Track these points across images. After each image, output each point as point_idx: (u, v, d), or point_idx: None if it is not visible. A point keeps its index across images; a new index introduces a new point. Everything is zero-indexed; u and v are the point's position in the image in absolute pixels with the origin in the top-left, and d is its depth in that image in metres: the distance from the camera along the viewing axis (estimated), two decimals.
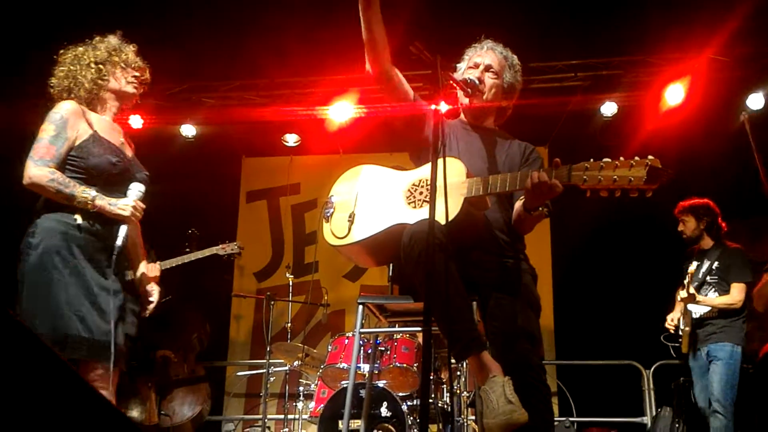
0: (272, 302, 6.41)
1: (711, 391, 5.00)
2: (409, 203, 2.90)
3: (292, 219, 8.34)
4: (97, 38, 3.28)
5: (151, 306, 3.31)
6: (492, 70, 3.10)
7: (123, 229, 3.04)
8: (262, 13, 6.21)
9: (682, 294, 5.13)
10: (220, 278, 7.86)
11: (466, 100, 3.06)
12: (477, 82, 3.01)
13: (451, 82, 2.78)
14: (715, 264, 5.20)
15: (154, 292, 3.32)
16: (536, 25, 6.35)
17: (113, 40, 3.28)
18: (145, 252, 3.40)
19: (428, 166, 2.88)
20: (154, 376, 6.50)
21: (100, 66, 3.17)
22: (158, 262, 5.46)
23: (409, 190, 2.93)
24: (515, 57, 3.18)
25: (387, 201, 2.98)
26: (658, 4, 5.97)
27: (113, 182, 3.09)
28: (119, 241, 3.01)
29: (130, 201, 3.05)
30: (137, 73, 3.26)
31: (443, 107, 2.61)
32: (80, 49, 3.23)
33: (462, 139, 3.08)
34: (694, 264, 5.27)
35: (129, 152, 3.28)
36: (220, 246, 5.66)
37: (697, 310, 5.18)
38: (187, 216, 7.09)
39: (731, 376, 4.95)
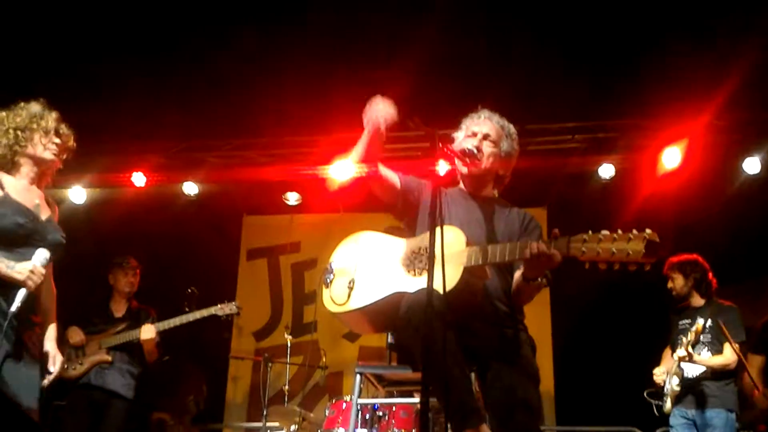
0: (270, 364, 6.36)
1: None
2: (408, 271, 2.91)
3: (291, 278, 8.31)
4: (21, 104, 3.35)
5: (51, 377, 3.21)
6: (490, 138, 3.15)
7: (20, 294, 2.97)
8: (264, 72, 6.32)
9: (679, 352, 5.02)
10: (218, 337, 7.81)
11: (465, 170, 3.10)
12: (475, 150, 3.05)
13: (450, 153, 2.81)
14: (708, 322, 5.08)
15: (56, 361, 3.24)
16: (534, 87, 6.44)
17: (35, 107, 3.34)
18: (55, 319, 3.36)
19: (427, 235, 2.92)
20: None
21: (18, 132, 3.22)
22: (155, 324, 5.45)
23: (408, 258, 2.94)
24: (511, 126, 3.24)
25: (386, 269, 2.99)
26: (655, 68, 6.06)
27: (19, 244, 3.08)
28: (13, 307, 2.94)
29: (29, 265, 3.01)
30: (58, 140, 3.32)
31: (441, 176, 2.65)
32: (2, 114, 3.30)
33: (461, 208, 3.11)
34: (686, 322, 5.23)
35: (45, 215, 3.27)
36: (219, 306, 5.63)
37: (691, 370, 5.08)
38: (187, 274, 7.09)
39: None
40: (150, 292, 6.13)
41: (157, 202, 7.55)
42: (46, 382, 3.18)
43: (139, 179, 7.12)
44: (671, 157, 6.62)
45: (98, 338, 5.47)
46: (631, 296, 6.62)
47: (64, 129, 3.36)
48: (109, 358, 5.42)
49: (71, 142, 3.41)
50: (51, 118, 3.32)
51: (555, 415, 7.28)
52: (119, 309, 5.68)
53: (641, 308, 6.49)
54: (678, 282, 5.32)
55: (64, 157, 3.39)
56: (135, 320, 5.58)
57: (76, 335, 5.43)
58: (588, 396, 6.92)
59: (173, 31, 5.96)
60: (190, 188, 7.45)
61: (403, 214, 3.11)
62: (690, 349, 5.00)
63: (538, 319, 7.30)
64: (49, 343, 3.26)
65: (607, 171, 6.93)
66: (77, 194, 7.35)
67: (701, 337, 5.11)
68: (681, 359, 5.02)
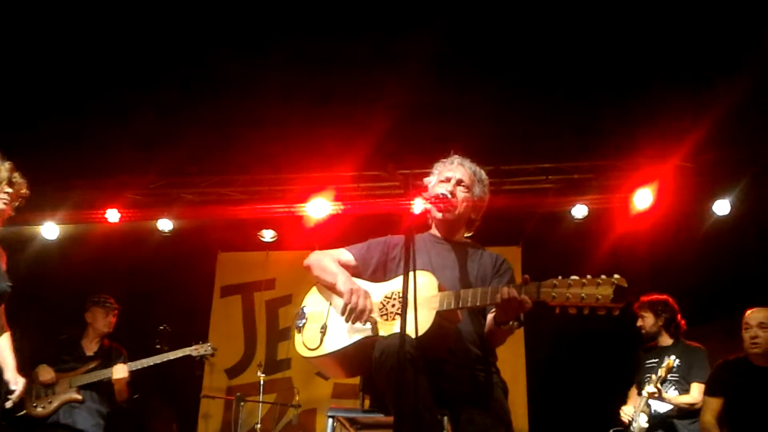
0: (242, 402, 6.29)
1: None
2: (381, 316, 2.92)
3: (266, 314, 8.26)
4: None
5: (14, 395, 3.31)
6: (463, 184, 3.19)
7: None
8: (242, 111, 6.36)
9: (649, 388, 5.06)
10: (190, 374, 7.70)
11: (439, 215, 3.14)
12: (449, 196, 3.09)
13: (424, 199, 2.85)
14: (677, 361, 5.15)
15: (18, 382, 3.32)
16: (508, 128, 6.54)
17: None
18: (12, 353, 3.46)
19: (400, 279, 2.94)
20: None
21: None
22: (127, 363, 5.38)
23: (381, 303, 2.95)
24: (483, 172, 3.29)
25: None
26: (628, 111, 6.19)
27: None
28: None
29: None
30: (10, 190, 3.40)
31: (414, 220, 2.67)
32: None
33: (434, 252, 3.14)
34: (654, 361, 5.28)
35: None
36: (194, 347, 5.59)
37: (659, 408, 5.12)
38: (160, 310, 7.03)
39: None
40: (122, 329, 6.07)
41: (131, 239, 7.50)
42: (9, 403, 3.23)
43: (113, 215, 7.09)
44: (643, 199, 6.74)
45: (69, 376, 5.39)
46: (603, 335, 6.66)
47: (17, 178, 3.46)
48: (80, 397, 5.34)
49: (24, 190, 3.52)
50: (4, 168, 3.39)
51: None
52: (91, 347, 5.61)
53: (613, 347, 6.52)
54: (648, 321, 5.41)
55: (17, 204, 3.48)
56: (106, 359, 5.51)
57: (46, 373, 5.34)
58: None
59: (153, 67, 5.99)
60: (165, 225, 7.42)
61: (373, 276, 3.14)
62: (659, 385, 5.05)
63: (512, 358, 7.32)
64: (9, 372, 3.36)
65: (580, 211, 7.03)
66: (50, 230, 7.28)
67: (669, 375, 5.16)
68: (650, 395, 5.07)
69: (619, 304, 2.46)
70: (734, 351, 4.67)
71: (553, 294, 2.54)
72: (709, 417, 4.51)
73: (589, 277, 2.51)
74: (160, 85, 6.18)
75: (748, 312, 4.53)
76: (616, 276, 2.48)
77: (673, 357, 5.09)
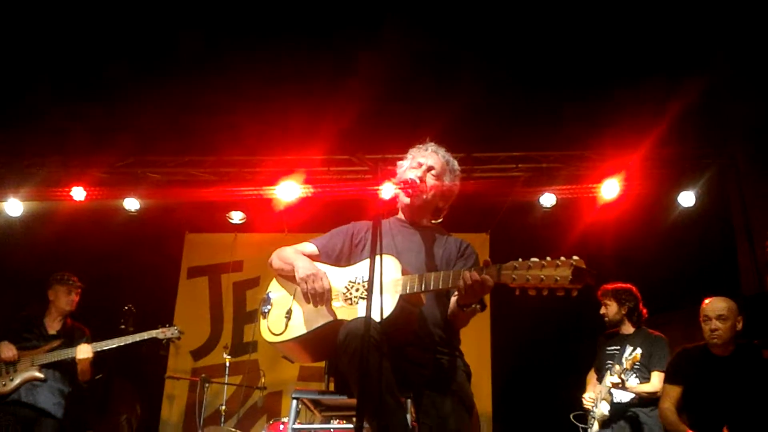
0: (207, 384, 6.27)
1: None
2: (345, 300, 2.92)
3: (233, 296, 8.22)
4: None
5: None
6: (434, 171, 3.20)
7: None
8: (213, 92, 6.31)
9: (613, 379, 5.12)
10: (155, 355, 7.64)
11: (407, 200, 3.14)
12: (418, 181, 3.10)
13: (393, 183, 2.86)
14: (638, 350, 5.23)
15: None
16: (480, 116, 6.58)
17: None
18: None
19: (364, 264, 2.95)
20: None
21: None
22: (91, 344, 5.33)
23: (345, 287, 2.95)
24: (455, 161, 3.30)
25: None
26: (598, 103, 6.26)
27: None
28: None
29: None
30: None
31: (381, 205, 2.68)
32: None
33: (400, 237, 3.15)
34: (615, 348, 5.36)
35: None
36: (160, 330, 5.52)
37: (621, 396, 5.19)
38: (125, 291, 6.95)
39: None
40: (87, 308, 6.00)
41: (96, 218, 7.41)
42: None
43: (78, 193, 6.99)
44: (610, 189, 6.83)
45: (31, 354, 5.32)
46: (566, 322, 6.77)
47: None
48: (42, 376, 5.27)
49: None
50: None
51: None
52: (54, 326, 5.53)
53: (575, 333, 6.62)
54: (611, 309, 5.47)
55: None
56: (69, 338, 5.45)
57: (8, 350, 5.27)
58: (525, 420, 7.05)
59: (120, 45, 5.91)
60: (132, 204, 7.33)
61: (337, 264, 3.14)
62: (622, 376, 5.12)
63: (477, 343, 7.39)
64: None
65: (548, 200, 7.09)
66: (13, 207, 7.17)
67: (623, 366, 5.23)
68: (614, 386, 5.13)
69: (578, 285, 2.49)
70: (695, 340, 4.71)
71: (514, 276, 2.56)
72: (668, 404, 4.56)
73: (548, 258, 2.53)
74: (128, 62, 6.10)
75: (706, 302, 4.51)
76: (575, 257, 2.50)
77: (638, 350, 5.12)
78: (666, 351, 5.20)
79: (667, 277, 6.72)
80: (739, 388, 4.30)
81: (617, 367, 5.16)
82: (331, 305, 2.93)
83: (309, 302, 2.94)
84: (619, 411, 5.22)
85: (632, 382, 5.19)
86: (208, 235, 8.39)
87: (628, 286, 5.52)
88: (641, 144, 6.63)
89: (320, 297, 2.91)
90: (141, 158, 7.28)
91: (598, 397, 5.31)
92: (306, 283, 2.93)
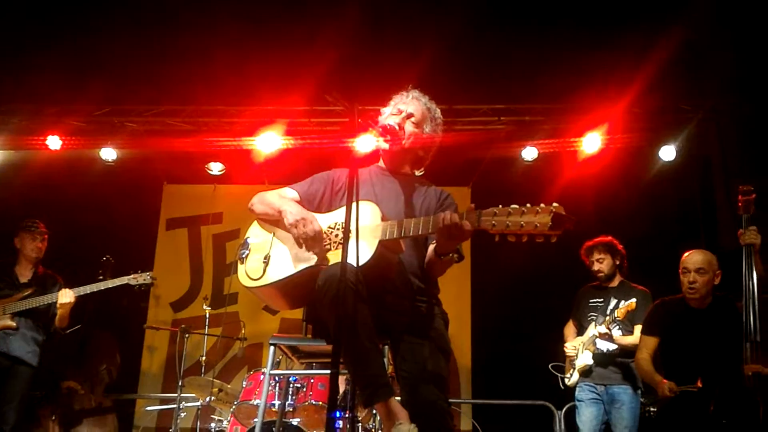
0: (187, 335, 6.27)
1: None
2: (324, 245, 2.90)
3: (213, 248, 8.19)
4: None
5: None
6: (413, 119, 3.16)
7: None
8: (192, 39, 6.18)
9: (600, 329, 5.18)
10: (135, 306, 7.64)
11: (385, 146, 3.11)
12: (397, 128, 3.06)
13: (371, 127, 2.81)
14: (622, 303, 5.26)
15: None
16: (463, 68, 6.51)
17: None
18: None
19: (343, 210, 2.91)
20: (59, 407, 6.25)
21: None
22: (72, 289, 5.29)
23: (324, 233, 2.93)
24: (438, 110, 3.26)
25: None
26: (580, 55, 6.21)
27: None
28: None
29: None
30: None
31: (360, 152, 2.64)
32: None
33: (379, 184, 3.12)
34: (599, 300, 5.41)
35: None
36: (132, 276, 5.48)
37: (606, 347, 5.25)
38: (103, 242, 6.88)
39: (635, 420, 5.09)
40: (64, 259, 5.95)
41: (73, 167, 7.30)
42: None
43: (54, 142, 6.87)
44: (591, 143, 6.83)
45: (2, 303, 5.27)
46: (548, 273, 6.82)
47: None
48: (14, 324, 5.24)
49: None
50: None
51: (471, 388, 7.44)
52: (25, 274, 5.48)
53: (558, 285, 6.67)
54: (607, 262, 5.46)
55: None
56: (41, 286, 5.41)
57: None
58: (504, 371, 7.14)
59: None
60: (109, 154, 7.22)
61: (318, 210, 3.10)
62: (610, 327, 5.17)
63: (458, 295, 7.44)
64: None
65: (530, 153, 7.07)
66: None
67: (613, 316, 5.27)
68: (601, 336, 5.18)
69: (557, 232, 2.48)
70: (672, 293, 4.73)
71: (493, 222, 2.54)
72: (644, 354, 4.61)
73: (528, 205, 2.51)
74: (111, 10, 5.96)
75: (686, 255, 4.53)
76: (555, 204, 2.49)
77: (634, 300, 5.16)
78: (649, 304, 5.24)
79: (648, 231, 6.77)
80: (714, 340, 4.35)
81: (607, 318, 5.21)
82: (322, 248, 2.90)
83: (301, 246, 2.90)
84: (600, 361, 5.31)
85: (616, 333, 5.25)
86: (186, 186, 8.30)
87: (611, 238, 5.54)
88: (622, 98, 6.60)
89: (313, 240, 2.87)
90: (118, 108, 7.14)
91: (581, 347, 5.37)
92: (297, 227, 2.89)
